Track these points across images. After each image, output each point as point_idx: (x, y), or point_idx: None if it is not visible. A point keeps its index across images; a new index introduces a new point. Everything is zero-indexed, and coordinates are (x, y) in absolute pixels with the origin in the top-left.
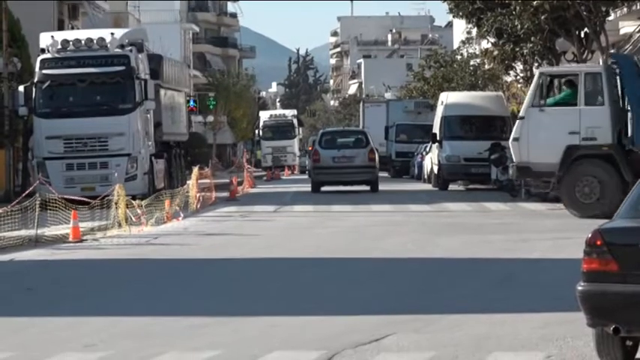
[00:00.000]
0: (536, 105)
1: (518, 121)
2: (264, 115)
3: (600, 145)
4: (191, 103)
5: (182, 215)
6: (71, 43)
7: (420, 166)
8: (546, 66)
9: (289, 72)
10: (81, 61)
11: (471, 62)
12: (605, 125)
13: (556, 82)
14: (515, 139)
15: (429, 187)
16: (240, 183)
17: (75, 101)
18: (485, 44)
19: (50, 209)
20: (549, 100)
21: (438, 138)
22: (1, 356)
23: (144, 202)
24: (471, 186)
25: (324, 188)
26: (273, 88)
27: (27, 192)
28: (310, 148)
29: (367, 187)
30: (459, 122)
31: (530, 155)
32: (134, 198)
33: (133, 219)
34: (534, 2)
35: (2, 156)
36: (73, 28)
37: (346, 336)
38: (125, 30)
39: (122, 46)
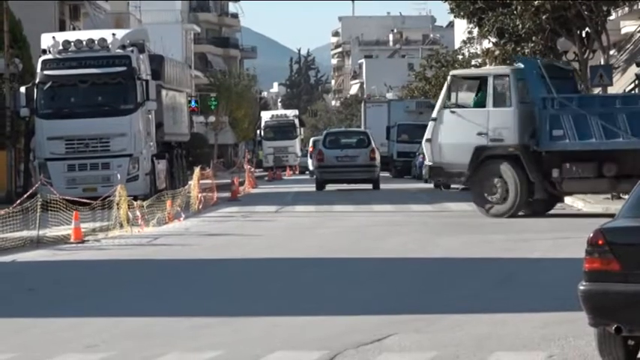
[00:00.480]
0: (448, 107)
1: (430, 122)
2: (265, 116)
3: (507, 146)
4: (192, 103)
5: (183, 216)
6: (72, 43)
7: (422, 166)
8: None
9: (290, 72)
10: (82, 62)
11: (473, 62)
12: (512, 127)
13: (466, 84)
14: (428, 140)
15: (430, 187)
16: (241, 183)
17: (76, 102)
18: (487, 44)
19: (51, 210)
20: (470, 101)
21: None
22: (2, 357)
23: (145, 203)
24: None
25: (326, 187)
26: (275, 88)
27: (28, 193)
28: (311, 149)
29: (369, 186)
30: None
31: (442, 156)
32: (136, 199)
33: (135, 220)
34: (535, 2)
35: (4, 157)
36: (74, 29)
37: (348, 336)
38: (126, 30)
39: (123, 47)
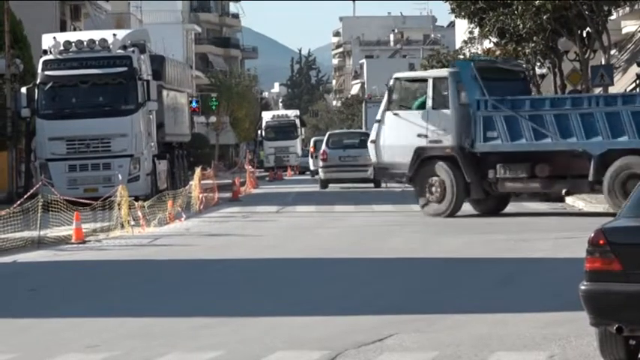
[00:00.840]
0: (391, 109)
1: (375, 124)
2: (266, 116)
3: (444, 147)
4: (193, 103)
5: (184, 216)
6: (73, 44)
7: None
8: (547, 65)
9: (291, 72)
10: (83, 63)
11: None
12: (450, 128)
13: (415, 85)
14: (373, 142)
15: None
16: (242, 183)
17: (77, 102)
18: (488, 44)
19: (52, 211)
20: (412, 104)
21: None
22: (4, 357)
23: (146, 203)
24: None
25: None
26: (276, 88)
27: (29, 193)
28: (312, 150)
29: (371, 184)
30: None
31: (386, 156)
32: (137, 199)
33: (136, 220)
34: (536, 2)
35: (5, 157)
36: (75, 29)
37: (349, 336)
38: (127, 31)
39: (124, 47)
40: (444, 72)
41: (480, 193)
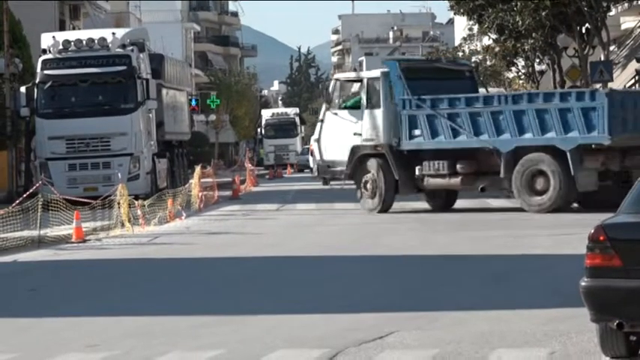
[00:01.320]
0: (331, 109)
1: (318, 123)
2: (266, 114)
3: (376, 146)
4: (193, 102)
5: (184, 214)
6: (72, 43)
7: None
8: (547, 61)
9: (291, 70)
10: (82, 62)
11: (473, 59)
12: (381, 127)
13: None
14: (316, 140)
15: None
16: (242, 182)
17: (77, 101)
18: (487, 41)
19: (52, 210)
20: (348, 104)
21: None
22: (4, 357)
23: (146, 202)
24: None
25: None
26: (275, 86)
27: (28, 192)
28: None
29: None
30: None
31: (328, 154)
32: (137, 198)
33: (135, 219)
34: None
35: (5, 157)
36: (74, 29)
37: (349, 334)
38: (126, 30)
39: (123, 46)
40: (376, 72)
41: (408, 190)
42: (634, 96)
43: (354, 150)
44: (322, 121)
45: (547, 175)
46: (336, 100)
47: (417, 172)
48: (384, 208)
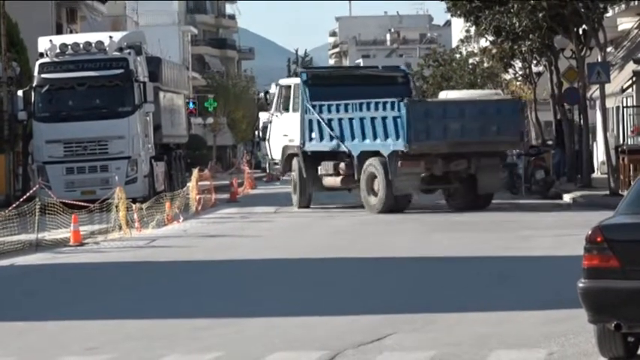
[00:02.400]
0: (275, 111)
1: (268, 124)
2: (263, 116)
3: (294, 147)
4: (190, 105)
5: (182, 217)
6: (70, 46)
7: None
8: (544, 63)
9: (288, 72)
10: (79, 65)
11: (470, 60)
12: (297, 130)
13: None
14: (267, 140)
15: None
16: (240, 184)
17: (74, 105)
18: (484, 42)
19: (49, 213)
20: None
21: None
22: None
23: (144, 205)
24: None
25: None
26: (273, 89)
27: (25, 196)
28: None
29: None
30: None
31: (274, 153)
32: (134, 201)
33: (134, 222)
34: (532, 0)
35: (2, 161)
36: (71, 32)
37: (348, 336)
38: (123, 33)
39: (121, 49)
40: (296, 79)
41: (316, 188)
42: (446, 106)
43: (284, 150)
44: (270, 122)
45: (378, 178)
46: (278, 104)
47: (318, 172)
48: (302, 203)
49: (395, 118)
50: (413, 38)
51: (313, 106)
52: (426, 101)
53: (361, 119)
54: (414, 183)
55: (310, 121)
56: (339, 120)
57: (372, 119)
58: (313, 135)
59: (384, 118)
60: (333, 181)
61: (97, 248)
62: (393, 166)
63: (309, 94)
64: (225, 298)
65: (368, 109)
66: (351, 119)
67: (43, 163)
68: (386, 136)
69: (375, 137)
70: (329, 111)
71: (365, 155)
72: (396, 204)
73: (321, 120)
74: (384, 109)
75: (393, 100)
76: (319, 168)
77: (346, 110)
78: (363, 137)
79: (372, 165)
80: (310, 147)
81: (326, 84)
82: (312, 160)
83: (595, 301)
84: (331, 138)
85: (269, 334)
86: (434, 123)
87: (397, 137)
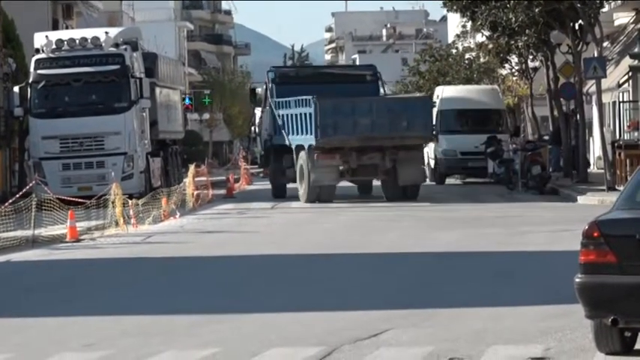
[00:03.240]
0: (262, 107)
1: (259, 119)
2: (260, 112)
3: (271, 139)
4: (186, 100)
5: (179, 213)
6: (65, 42)
7: None
8: (540, 58)
9: None
10: (75, 61)
11: (466, 56)
12: (271, 125)
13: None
14: (258, 134)
15: (425, 181)
16: (237, 180)
17: (70, 101)
18: (480, 38)
19: (46, 209)
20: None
21: (434, 132)
22: (0, 357)
23: (140, 201)
24: (468, 180)
25: None
26: None
27: (21, 192)
28: None
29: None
30: (455, 116)
31: (261, 145)
32: (131, 197)
33: (130, 218)
34: None
35: None
36: (67, 28)
37: (345, 331)
38: (119, 29)
39: (117, 45)
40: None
41: (283, 179)
42: (356, 102)
43: (265, 143)
44: (260, 117)
45: (304, 170)
46: (264, 100)
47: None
48: (274, 193)
49: (309, 115)
50: (409, 34)
51: (275, 103)
52: (335, 99)
53: (295, 115)
54: (332, 175)
55: (274, 117)
56: (286, 116)
57: (298, 115)
58: (270, 130)
59: (303, 115)
60: (290, 172)
61: (93, 244)
62: (312, 159)
63: (276, 92)
64: (222, 294)
65: (296, 105)
66: (289, 115)
67: (39, 159)
68: (305, 131)
69: (300, 132)
70: (282, 107)
71: (298, 149)
72: (320, 194)
73: (277, 116)
74: (303, 105)
75: (308, 98)
76: (283, 161)
77: (288, 107)
78: (295, 132)
79: (301, 158)
80: (275, 141)
81: (293, 82)
82: (280, 153)
83: (592, 297)
84: (282, 133)
85: (266, 330)
86: (343, 119)
87: (310, 132)
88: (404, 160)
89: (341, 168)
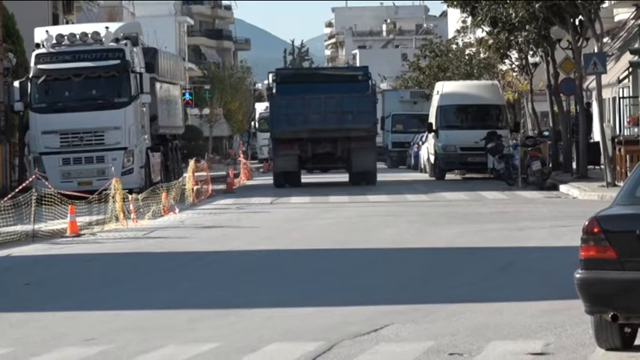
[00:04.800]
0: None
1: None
2: (259, 107)
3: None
4: (187, 95)
5: (178, 208)
6: (66, 37)
7: (417, 156)
8: (540, 54)
9: (284, 63)
10: (76, 56)
11: (466, 51)
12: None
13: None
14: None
15: (425, 176)
16: (236, 175)
17: (70, 96)
18: (480, 33)
19: (46, 204)
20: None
21: (434, 127)
22: (0, 352)
23: (140, 196)
24: (467, 175)
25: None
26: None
27: (21, 187)
28: None
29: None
30: (454, 111)
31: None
32: (131, 192)
33: (130, 213)
34: None
35: None
36: (67, 23)
37: (345, 327)
38: (120, 24)
39: (117, 40)
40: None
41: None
42: (306, 99)
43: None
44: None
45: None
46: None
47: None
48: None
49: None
50: (409, 29)
51: (274, 100)
52: (289, 96)
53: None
54: (293, 163)
55: (272, 113)
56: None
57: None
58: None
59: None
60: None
61: (93, 239)
62: (275, 148)
63: (278, 91)
64: (222, 289)
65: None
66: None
67: (39, 154)
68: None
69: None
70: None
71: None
72: (285, 180)
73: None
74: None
75: (268, 94)
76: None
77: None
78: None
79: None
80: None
81: (294, 82)
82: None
83: (592, 292)
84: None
85: (265, 325)
86: (294, 113)
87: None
88: (355, 149)
89: (301, 156)
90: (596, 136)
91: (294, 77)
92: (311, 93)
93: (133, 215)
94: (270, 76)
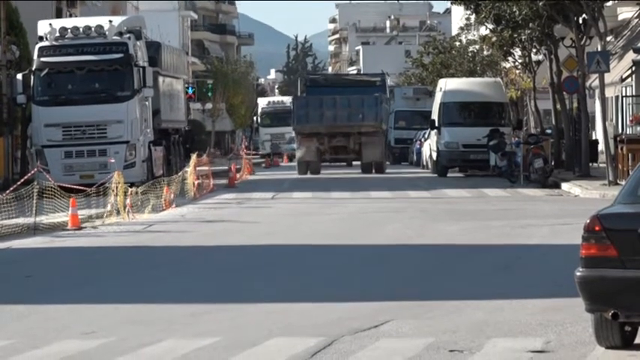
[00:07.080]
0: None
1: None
2: (262, 102)
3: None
4: (189, 90)
5: (180, 203)
6: (69, 30)
7: (419, 153)
8: (543, 52)
9: (288, 59)
10: (79, 49)
11: (470, 48)
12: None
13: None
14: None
15: (427, 173)
16: (238, 170)
17: (73, 89)
18: (484, 30)
19: (47, 197)
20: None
21: (436, 124)
22: (1, 344)
23: (141, 189)
24: (469, 172)
25: (323, 174)
26: (272, 74)
27: (23, 179)
28: None
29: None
30: (457, 108)
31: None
32: (132, 185)
33: (127, 207)
34: None
35: (1, 144)
36: (71, 16)
37: (345, 322)
38: (123, 17)
39: (120, 34)
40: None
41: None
42: (323, 98)
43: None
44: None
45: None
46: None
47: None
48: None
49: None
50: (412, 25)
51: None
52: (308, 96)
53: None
54: (312, 153)
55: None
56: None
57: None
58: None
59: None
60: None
61: (94, 232)
62: (298, 141)
63: (308, 93)
64: (223, 283)
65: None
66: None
67: (41, 147)
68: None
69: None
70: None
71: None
72: (307, 169)
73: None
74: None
75: (293, 96)
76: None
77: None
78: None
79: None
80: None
81: (321, 85)
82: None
83: (592, 290)
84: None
85: (266, 320)
86: (312, 111)
87: (294, 122)
88: (366, 143)
89: (320, 148)
90: (599, 134)
91: (322, 82)
92: (337, 94)
93: (128, 209)
94: (300, 80)
